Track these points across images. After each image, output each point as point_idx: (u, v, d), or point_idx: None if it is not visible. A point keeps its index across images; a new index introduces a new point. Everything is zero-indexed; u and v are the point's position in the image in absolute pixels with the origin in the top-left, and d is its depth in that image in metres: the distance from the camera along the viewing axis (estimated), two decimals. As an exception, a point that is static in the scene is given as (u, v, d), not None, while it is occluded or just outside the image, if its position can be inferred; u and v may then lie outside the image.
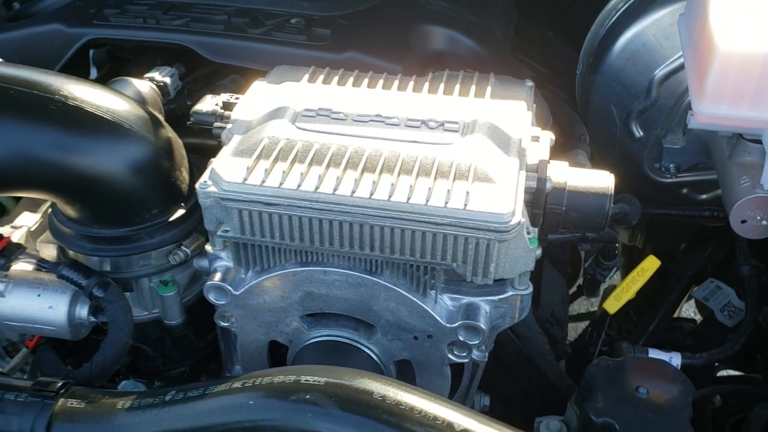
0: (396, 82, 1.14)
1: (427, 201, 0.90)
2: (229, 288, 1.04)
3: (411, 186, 0.92)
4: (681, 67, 1.34)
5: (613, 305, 1.35)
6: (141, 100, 1.15)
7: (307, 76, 1.15)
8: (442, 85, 1.12)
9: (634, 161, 1.37)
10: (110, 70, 1.47)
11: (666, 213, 1.41)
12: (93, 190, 1.02)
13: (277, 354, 1.12)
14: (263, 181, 0.94)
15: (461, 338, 1.00)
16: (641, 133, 1.35)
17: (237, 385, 0.82)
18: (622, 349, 1.26)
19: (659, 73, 1.45)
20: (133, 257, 1.08)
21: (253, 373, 0.85)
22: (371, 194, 0.91)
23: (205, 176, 0.96)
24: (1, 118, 0.97)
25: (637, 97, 1.44)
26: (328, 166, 0.95)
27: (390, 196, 0.91)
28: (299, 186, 0.93)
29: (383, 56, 1.30)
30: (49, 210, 1.11)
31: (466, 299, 1.00)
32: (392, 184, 0.92)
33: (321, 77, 1.15)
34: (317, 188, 0.92)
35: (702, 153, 1.34)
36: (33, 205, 1.20)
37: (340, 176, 0.93)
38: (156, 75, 1.23)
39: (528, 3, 1.69)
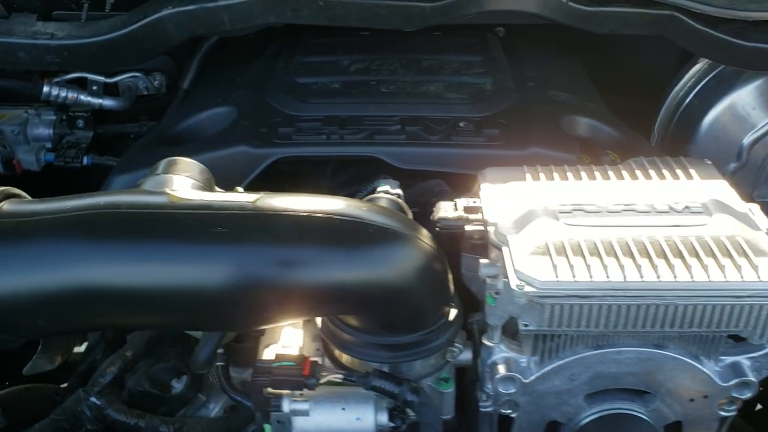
0: (598, 172, 1.28)
1: (725, 276, 1.04)
2: (519, 377, 1.13)
3: (704, 265, 1.05)
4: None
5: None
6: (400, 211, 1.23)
7: (528, 175, 1.27)
8: (651, 171, 1.27)
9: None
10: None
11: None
12: (388, 302, 1.09)
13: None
14: (574, 276, 1.05)
15: (734, 394, 1.13)
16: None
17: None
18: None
19: (748, 139, 1.70)
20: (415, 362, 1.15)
21: None
22: (675, 277, 1.04)
23: (513, 278, 1.06)
24: (322, 248, 1.02)
25: (728, 161, 1.66)
26: (618, 256, 1.07)
27: (692, 277, 1.04)
28: (608, 276, 1.04)
29: (558, 148, 1.44)
30: (318, 320, 1.17)
31: (729, 359, 1.14)
32: (688, 266, 1.05)
33: (540, 174, 1.27)
34: (625, 277, 1.04)
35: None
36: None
37: (638, 264, 1.05)
38: (388, 188, 1.31)
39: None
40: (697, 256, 1.07)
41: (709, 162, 1.35)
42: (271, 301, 1.01)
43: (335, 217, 1.03)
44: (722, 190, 1.23)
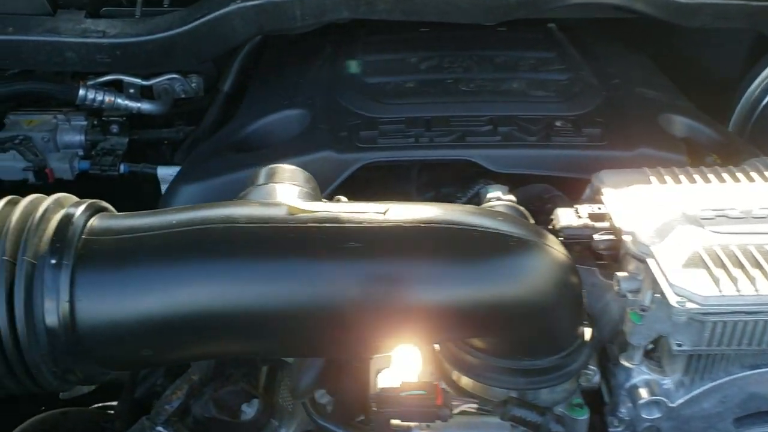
0: (717, 175, 1.18)
1: None
2: (666, 401, 1.02)
3: None
4: None
5: None
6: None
7: (652, 178, 1.17)
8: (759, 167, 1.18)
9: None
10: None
11: None
12: (533, 320, 0.97)
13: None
14: (739, 290, 0.94)
15: None
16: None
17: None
18: None
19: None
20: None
21: None
22: None
23: (670, 293, 0.96)
24: (465, 263, 0.92)
25: None
26: (779, 265, 0.97)
27: None
28: (775, 289, 0.94)
29: (667, 149, 1.34)
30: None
31: None
32: None
33: (666, 177, 1.17)
34: (794, 289, 0.94)
35: None
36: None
37: (803, 273, 0.96)
38: (500, 194, 1.20)
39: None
40: None
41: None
42: (412, 321, 0.90)
43: (475, 229, 0.92)
44: None
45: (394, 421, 0.99)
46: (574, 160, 1.31)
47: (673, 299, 0.95)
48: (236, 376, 1.41)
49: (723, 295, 0.94)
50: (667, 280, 0.97)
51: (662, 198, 1.11)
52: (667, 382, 1.03)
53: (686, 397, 1.02)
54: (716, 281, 0.95)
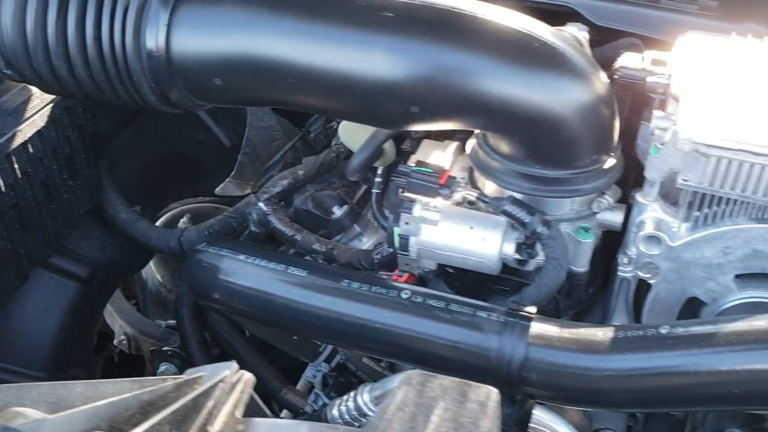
0: None
1: None
2: (666, 238, 1.04)
3: None
4: None
5: None
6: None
7: (732, 42, 1.14)
8: None
9: None
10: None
11: None
12: (543, 130, 1.04)
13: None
14: (752, 131, 0.93)
15: None
16: None
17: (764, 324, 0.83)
18: None
19: None
20: (558, 201, 1.11)
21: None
22: None
23: (682, 122, 0.97)
24: (492, 56, 1.00)
25: None
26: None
27: None
28: (789, 138, 0.92)
29: None
30: (470, 144, 1.15)
31: None
32: None
33: (747, 43, 1.13)
34: (812, 141, 0.91)
35: None
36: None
37: (832, 131, 0.92)
38: (575, 29, 1.24)
39: None
40: None
41: None
42: (429, 98, 1.01)
43: (519, 30, 1.00)
44: None
45: (403, 192, 1.12)
46: (678, 25, 1.28)
47: (681, 129, 0.96)
48: (337, 185, 1.61)
49: (732, 132, 0.94)
50: (685, 113, 0.98)
51: (726, 58, 1.09)
52: (675, 226, 1.05)
53: (688, 239, 1.03)
54: (731, 123, 0.95)
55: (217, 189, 1.82)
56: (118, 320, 1.89)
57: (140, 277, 2.06)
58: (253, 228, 1.50)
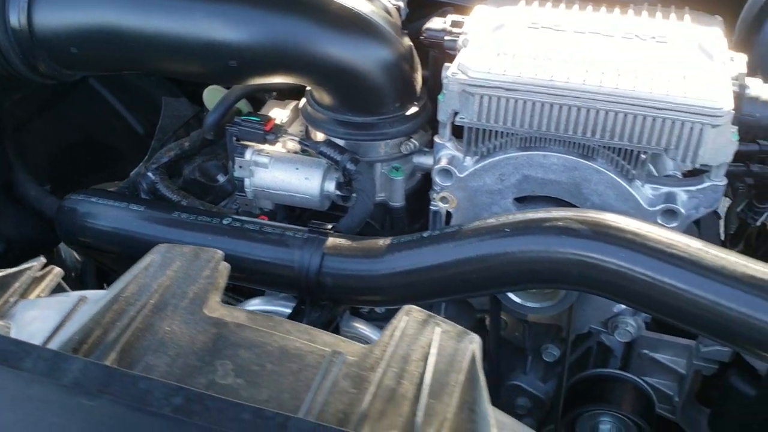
0: (603, 8, 1.30)
1: (651, 89, 1.07)
2: (455, 170, 1.23)
3: (635, 77, 1.08)
4: None
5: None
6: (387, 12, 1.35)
7: (523, 1, 1.33)
8: (644, 12, 1.28)
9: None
10: None
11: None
12: (349, 81, 1.22)
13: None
14: (505, 71, 1.12)
15: (659, 221, 1.15)
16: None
17: (492, 221, 1.01)
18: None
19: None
20: (371, 144, 1.29)
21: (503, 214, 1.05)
22: (600, 83, 1.08)
23: (453, 67, 1.16)
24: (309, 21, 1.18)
25: None
26: (558, 61, 1.13)
27: (617, 85, 1.08)
28: (536, 75, 1.11)
29: None
30: (302, 101, 1.33)
31: (665, 188, 1.16)
32: (618, 75, 1.09)
33: (537, 2, 1.32)
34: (552, 77, 1.10)
35: None
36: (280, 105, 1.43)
37: (571, 69, 1.11)
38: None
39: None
40: (633, 70, 1.10)
41: (720, 18, 1.32)
42: (245, 53, 1.18)
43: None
44: (710, 34, 1.22)
45: (238, 140, 1.29)
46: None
47: (451, 72, 1.15)
48: (222, 155, 1.78)
49: (489, 72, 1.13)
50: (458, 60, 1.17)
51: (514, 13, 1.28)
52: (463, 158, 1.23)
53: (471, 170, 1.21)
54: (492, 62, 1.14)
55: (132, 173, 1.98)
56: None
57: (59, 255, 2.20)
58: (143, 195, 1.65)
